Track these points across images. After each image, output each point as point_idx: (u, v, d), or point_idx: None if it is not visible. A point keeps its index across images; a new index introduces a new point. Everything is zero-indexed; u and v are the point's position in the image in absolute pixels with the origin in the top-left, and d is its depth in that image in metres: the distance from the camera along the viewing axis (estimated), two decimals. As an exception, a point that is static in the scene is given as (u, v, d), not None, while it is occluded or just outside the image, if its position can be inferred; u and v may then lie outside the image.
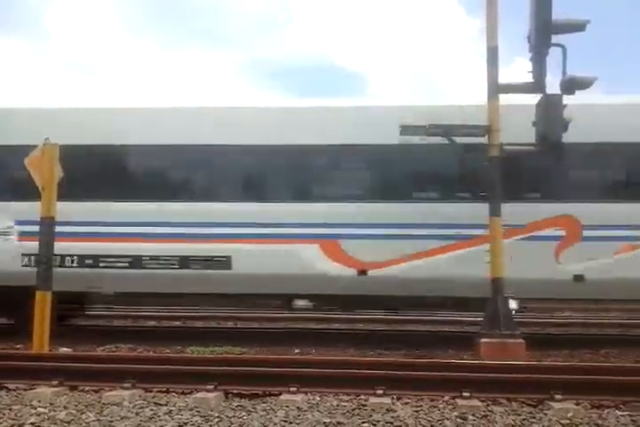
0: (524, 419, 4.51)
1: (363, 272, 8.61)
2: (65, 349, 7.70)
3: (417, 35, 52.65)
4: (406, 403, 4.86)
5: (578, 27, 7.74)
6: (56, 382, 5.25)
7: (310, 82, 53.15)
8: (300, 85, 52.56)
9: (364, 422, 4.38)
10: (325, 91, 50.06)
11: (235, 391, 5.09)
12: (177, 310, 12.88)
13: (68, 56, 50.76)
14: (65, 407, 4.71)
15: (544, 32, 7.67)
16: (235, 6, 51.77)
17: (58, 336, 7.58)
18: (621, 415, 4.62)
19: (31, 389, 5.18)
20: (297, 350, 8.13)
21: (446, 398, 4.93)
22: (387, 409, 4.68)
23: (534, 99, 7.96)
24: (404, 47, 51.64)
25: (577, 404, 4.80)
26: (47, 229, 7.24)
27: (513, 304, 8.63)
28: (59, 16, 50.03)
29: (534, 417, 4.58)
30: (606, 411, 4.71)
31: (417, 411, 4.67)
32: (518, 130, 7.77)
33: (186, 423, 4.35)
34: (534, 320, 11.73)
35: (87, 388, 5.24)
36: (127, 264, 8.84)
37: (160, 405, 4.80)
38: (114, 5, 51.47)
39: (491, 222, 7.66)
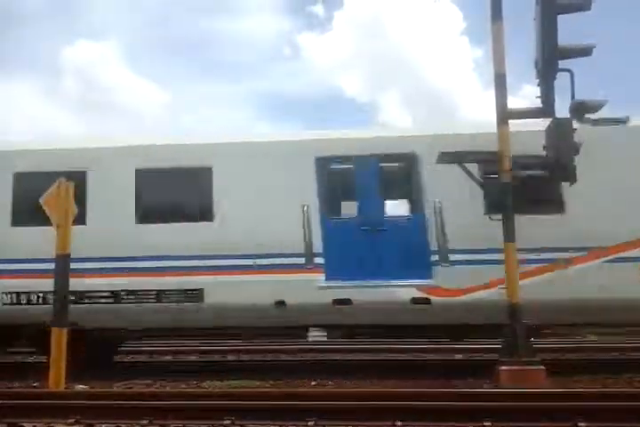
0: (548, 448, 4.42)
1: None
2: (81, 386, 7.66)
3: (422, 64, 53.30)
4: (427, 434, 4.77)
5: (584, 51, 7.81)
6: (72, 421, 5.21)
7: (320, 114, 53.75)
8: (309, 117, 53.11)
9: (384, 455, 4.31)
10: (336, 122, 50.58)
11: (251, 426, 5.02)
12: (192, 344, 12.82)
13: (77, 95, 51.79)
14: (82, 446, 4.68)
15: (550, 57, 7.74)
16: (239, 39, 52.80)
17: (73, 373, 7.55)
18: (647, 442, 4.51)
19: (48, 427, 5.15)
20: (314, 382, 8.03)
21: (467, 428, 4.84)
22: (407, 441, 4.60)
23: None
24: (410, 77, 52.21)
25: (601, 431, 4.70)
26: (62, 265, 7.30)
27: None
28: (70, 56, 51.21)
29: (558, 446, 4.48)
30: (632, 438, 4.60)
31: (438, 442, 4.58)
32: None
33: (203, 460, 4.30)
34: (553, 346, 11.56)
35: (104, 425, 5.19)
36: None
37: (177, 441, 4.75)
38: (119, 43, 52.69)
39: (505, 248, 7.61)
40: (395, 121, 51.81)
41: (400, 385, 7.63)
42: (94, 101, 50.70)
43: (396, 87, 52.36)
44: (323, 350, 11.79)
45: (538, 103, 7.89)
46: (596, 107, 7.79)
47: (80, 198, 8.30)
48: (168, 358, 11.86)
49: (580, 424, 4.74)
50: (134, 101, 51.78)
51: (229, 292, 8.51)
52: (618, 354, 10.89)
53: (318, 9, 59.28)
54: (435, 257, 8.53)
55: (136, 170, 9.07)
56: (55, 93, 51.81)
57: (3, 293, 8.84)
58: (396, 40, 50.10)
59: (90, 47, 51.04)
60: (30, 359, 11.04)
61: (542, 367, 7.06)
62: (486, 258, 8.19)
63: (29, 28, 50.53)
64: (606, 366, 8.66)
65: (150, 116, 49.48)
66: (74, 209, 7.52)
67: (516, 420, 4.89)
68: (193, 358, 11.78)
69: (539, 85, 7.92)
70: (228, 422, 5.01)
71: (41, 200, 7.54)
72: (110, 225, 8.93)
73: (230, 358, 11.71)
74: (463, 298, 8.36)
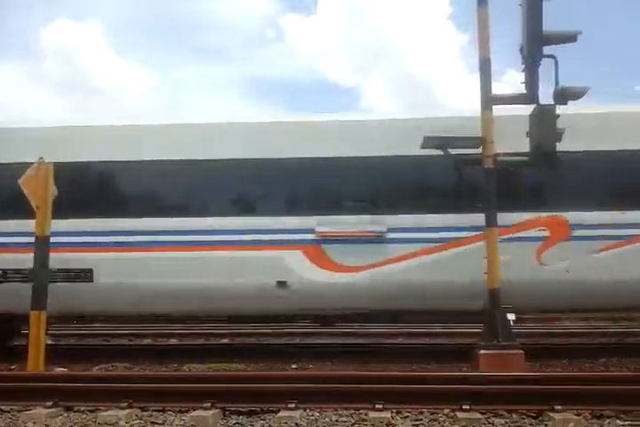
0: (525, 431, 4.48)
1: None
2: (60, 368, 7.62)
3: (407, 49, 53.10)
4: (406, 417, 4.80)
5: (569, 38, 7.81)
6: (51, 403, 5.16)
7: (303, 98, 53.43)
8: (292, 101, 52.79)
9: (363, 438, 4.34)
10: (318, 107, 50.35)
11: (232, 409, 5.03)
12: (173, 327, 12.79)
13: (60, 77, 50.92)
14: (60, 428, 4.64)
15: (536, 43, 7.72)
16: (224, 23, 52.16)
17: (53, 356, 7.50)
18: (622, 425, 4.58)
19: (26, 410, 5.09)
20: (294, 366, 8.06)
21: (446, 411, 4.87)
22: (387, 424, 4.63)
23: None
24: (394, 62, 52.01)
25: (577, 414, 4.75)
26: (42, 248, 7.21)
27: (511, 316, 8.60)
28: (53, 36, 50.26)
29: (535, 429, 4.53)
30: (607, 421, 4.65)
31: (417, 425, 4.62)
32: None
33: (183, 442, 4.30)
34: (532, 331, 11.69)
35: (83, 408, 5.16)
36: None
37: (157, 424, 4.74)
38: (101, 24, 51.84)
39: (486, 233, 7.65)
40: (378, 106, 51.69)
41: (380, 369, 7.70)
42: (76, 83, 49.95)
43: (380, 72, 52.20)
44: (308, 333, 11.82)
45: (522, 89, 7.91)
46: (578, 93, 7.81)
47: None
48: (148, 340, 11.84)
49: (556, 407, 4.81)
50: (117, 84, 51.07)
51: None
52: (590, 339, 11.05)
53: (303, -8, 58.68)
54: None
55: None
56: (37, 76, 50.91)
57: None
58: (380, 25, 49.83)
59: (72, 27, 50.14)
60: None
61: (521, 352, 7.14)
62: None
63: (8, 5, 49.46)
64: (584, 351, 8.80)
65: (133, 98, 48.90)
66: (54, 190, 7.41)
67: (494, 403, 4.94)
68: (174, 341, 11.77)
69: (523, 71, 7.93)
70: (207, 404, 5.01)
71: (20, 181, 7.43)
72: None
73: (213, 341, 11.72)
74: None
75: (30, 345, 6.89)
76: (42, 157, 7.39)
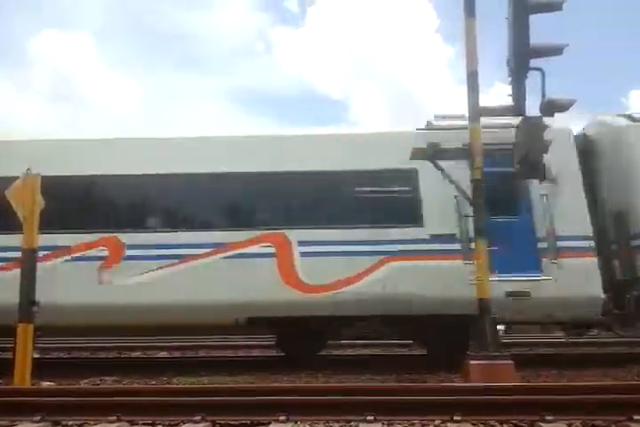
0: (516, 441, 4.47)
1: None
2: (47, 383, 7.52)
3: (395, 61, 53.48)
4: (397, 428, 4.79)
5: (555, 50, 7.90)
6: (38, 418, 5.09)
7: (292, 110, 53.58)
8: (282, 114, 52.92)
9: (355, 450, 4.31)
10: (307, 119, 50.58)
11: (222, 422, 4.98)
12: (162, 340, 12.71)
13: (48, 87, 50.73)
14: (48, 443, 4.58)
15: (522, 56, 7.82)
16: (214, 35, 52.35)
17: (40, 370, 7.41)
18: (613, 435, 4.59)
19: (12, 425, 5.00)
20: (285, 378, 8.02)
21: (437, 422, 4.85)
22: (378, 436, 4.61)
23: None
24: (383, 73, 52.36)
25: (569, 424, 4.76)
26: (29, 261, 7.14)
27: (500, 326, 8.64)
28: (41, 47, 50.09)
29: (526, 439, 4.53)
30: (598, 431, 4.67)
31: (408, 436, 4.60)
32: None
33: (173, 456, 4.25)
34: (522, 341, 11.73)
35: (71, 422, 5.08)
36: None
37: (146, 438, 4.69)
38: (92, 35, 51.81)
39: (477, 243, 7.69)
40: (366, 117, 51.93)
41: (372, 380, 7.68)
42: (64, 94, 49.74)
43: (369, 83, 52.46)
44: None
45: (509, 101, 7.99)
46: (565, 105, 7.90)
47: None
48: (137, 354, 11.74)
49: (547, 418, 4.81)
50: (106, 94, 50.97)
51: None
52: (580, 350, 11.08)
53: (292, 5, 59.02)
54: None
55: None
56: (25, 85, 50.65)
57: None
58: (369, 37, 50.18)
59: (60, 38, 50.00)
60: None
61: (511, 362, 7.14)
62: None
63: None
64: (572, 361, 8.83)
65: (122, 108, 48.79)
66: (41, 202, 7.35)
67: (485, 414, 4.94)
68: (163, 353, 11.68)
69: (510, 84, 8.01)
70: (198, 417, 4.97)
71: (6, 193, 7.37)
72: None
73: (202, 354, 11.65)
74: None
75: (17, 359, 6.80)
76: (29, 169, 7.35)
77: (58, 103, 52.83)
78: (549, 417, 4.82)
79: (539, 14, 7.77)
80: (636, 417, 4.77)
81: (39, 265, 7.22)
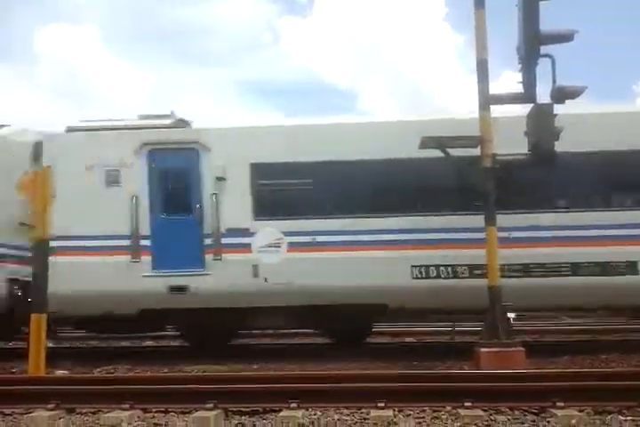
0: (527, 427, 4.48)
1: None
2: (62, 371, 7.61)
3: (403, 50, 53.09)
4: (408, 415, 4.81)
5: (565, 37, 7.83)
6: (52, 406, 5.16)
7: (300, 100, 53.39)
8: (289, 104, 52.75)
9: (366, 436, 4.34)
10: (315, 108, 50.29)
11: (234, 409, 5.03)
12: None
13: (54, 81, 50.80)
14: (62, 430, 4.65)
15: (532, 43, 7.74)
16: (221, 26, 52.18)
17: (55, 359, 7.50)
18: (624, 420, 4.59)
19: (28, 413, 5.09)
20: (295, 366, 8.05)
21: (448, 408, 4.89)
22: (389, 422, 4.64)
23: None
24: (390, 63, 52.01)
25: (580, 410, 4.77)
26: (42, 251, 7.21)
27: (511, 315, 8.61)
28: (47, 41, 50.16)
29: (537, 425, 4.55)
30: (609, 417, 4.68)
31: (419, 423, 4.64)
32: None
33: (186, 443, 4.30)
34: (533, 328, 11.71)
35: (85, 410, 5.16)
36: None
37: (159, 425, 4.77)
38: (99, 28, 51.78)
39: (487, 231, 7.66)
40: (376, 107, 51.69)
41: (383, 367, 7.69)
42: (72, 88, 49.85)
43: (377, 73, 52.14)
44: (309, 334, 11.80)
45: (520, 88, 7.93)
46: (575, 92, 7.83)
47: None
48: (150, 342, 11.82)
49: (558, 404, 4.82)
50: (114, 87, 50.99)
51: None
52: (590, 336, 11.05)
53: (300, -6, 58.69)
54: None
55: None
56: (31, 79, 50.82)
57: None
58: (376, 25, 49.81)
59: (68, 31, 50.05)
60: (10, 345, 10.96)
61: (522, 349, 7.15)
62: None
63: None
64: (584, 348, 8.80)
65: (130, 100, 48.78)
66: (53, 194, 7.41)
67: (496, 400, 4.96)
68: (176, 343, 11.74)
69: (521, 71, 7.95)
70: (210, 405, 5.01)
71: (16, 185, 7.42)
72: None
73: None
74: None
75: (31, 348, 6.88)
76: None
77: (65, 97, 52.93)
78: (560, 403, 4.83)
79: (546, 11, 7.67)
80: (647, 403, 4.77)
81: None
